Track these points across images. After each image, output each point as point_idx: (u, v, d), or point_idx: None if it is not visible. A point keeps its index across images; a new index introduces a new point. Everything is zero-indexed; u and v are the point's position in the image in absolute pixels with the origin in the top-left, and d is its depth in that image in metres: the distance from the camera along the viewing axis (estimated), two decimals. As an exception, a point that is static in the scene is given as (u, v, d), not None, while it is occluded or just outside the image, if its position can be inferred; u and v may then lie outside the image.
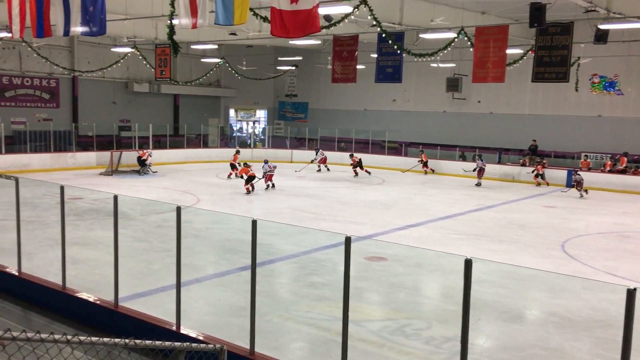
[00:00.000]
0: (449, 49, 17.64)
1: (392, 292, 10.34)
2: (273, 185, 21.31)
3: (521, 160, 27.28)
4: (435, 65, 27.92)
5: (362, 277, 10.48)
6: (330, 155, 31.30)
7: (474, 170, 24.53)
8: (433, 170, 28.24)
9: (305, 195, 20.44)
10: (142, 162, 24.74)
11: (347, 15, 13.13)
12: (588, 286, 10.28)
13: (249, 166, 20.17)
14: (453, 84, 29.49)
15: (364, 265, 11.26)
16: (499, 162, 28.33)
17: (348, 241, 5.42)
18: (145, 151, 25.46)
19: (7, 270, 9.35)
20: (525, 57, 19.78)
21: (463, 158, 29.36)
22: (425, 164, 28.27)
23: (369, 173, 26.47)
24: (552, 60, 15.04)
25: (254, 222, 6.25)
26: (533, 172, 25.13)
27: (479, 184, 24.24)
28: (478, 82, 17.64)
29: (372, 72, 19.04)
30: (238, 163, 23.43)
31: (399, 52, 16.81)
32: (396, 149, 31.53)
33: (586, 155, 26.41)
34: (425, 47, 21.68)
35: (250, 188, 20.00)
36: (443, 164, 28.48)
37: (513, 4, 19.06)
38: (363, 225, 15.43)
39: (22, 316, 8.41)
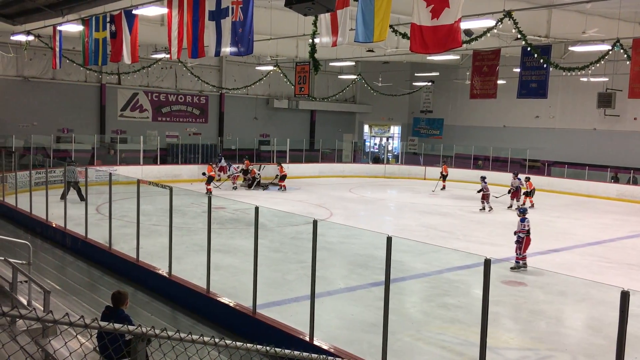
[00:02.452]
0: (602, 62, 16.37)
1: (532, 320, 9.72)
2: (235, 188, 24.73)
3: (684, 184, 24.50)
4: (585, 79, 26.04)
5: (499, 301, 9.97)
6: (465, 173, 30.41)
7: (509, 192, 21.83)
8: (444, 187, 26.56)
9: (438, 214, 19.98)
10: (246, 172, 24.82)
11: (489, 29, 12.70)
12: None
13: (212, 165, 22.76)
14: (605, 100, 27.22)
15: (501, 290, 10.71)
16: (658, 185, 25.67)
17: (487, 264, 5.18)
18: (253, 168, 25.47)
19: (159, 272, 10.17)
20: (692, 70, 17.76)
21: (616, 180, 27.00)
22: (444, 178, 26.64)
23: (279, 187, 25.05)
24: None
25: (389, 239, 6.20)
26: None
27: (517, 208, 21.22)
28: (635, 97, 16.16)
29: (514, 87, 18.21)
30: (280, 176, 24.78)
31: (545, 66, 15.90)
32: (538, 168, 29.79)
33: None
34: (574, 60, 20.31)
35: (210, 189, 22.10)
36: (592, 185, 26.41)
37: (678, 13, 17.26)
38: (500, 247, 14.70)
39: (170, 316, 9.08)
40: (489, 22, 12.75)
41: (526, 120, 31.66)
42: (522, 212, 12.88)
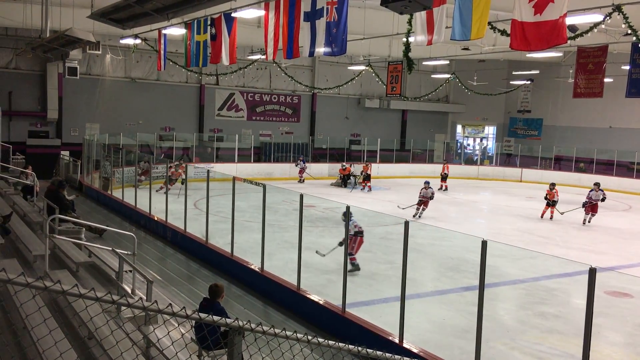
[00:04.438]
0: None
1: (638, 334, 9.08)
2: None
3: None
4: (703, 76, 23.90)
5: (601, 313, 9.37)
6: (566, 176, 28.89)
7: (584, 205, 18.10)
8: (446, 187, 25.00)
9: (535, 218, 19.13)
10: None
11: (596, 25, 11.97)
12: None
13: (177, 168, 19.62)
14: None
15: (605, 300, 10.08)
16: None
17: (592, 273, 4.89)
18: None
19: (252, 267, 10.46)
20: None
21: None
22: (444, 178, 25.08)
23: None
24: None
25: (484, 243, 6.01)
26: None
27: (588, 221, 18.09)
28: None
29: (622, 85, 17.05)
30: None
31: (657, 62, 14.78)
32: (647, 172, 27.78)
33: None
34: (692, 55, 18.67)
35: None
36: None
37: None
38: (603, 256, 13.87)
39: (262, 310, 9.31)
40: (597, 17, 12.01)
41: (635, 120, 29.56)
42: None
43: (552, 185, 19.20)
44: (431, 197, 17.68)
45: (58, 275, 7.24)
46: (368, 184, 24.66)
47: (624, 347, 8.55)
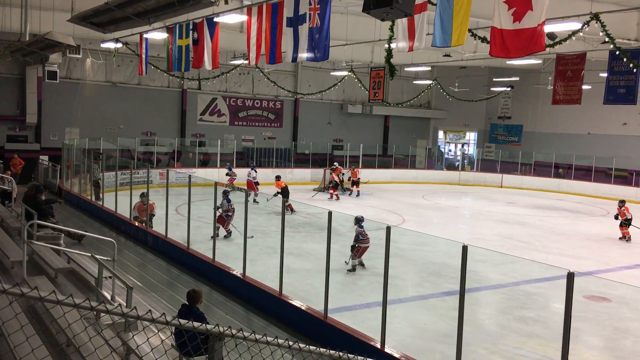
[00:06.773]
0: (699, 65, 15.27)
1: (617, 337, 9.20)
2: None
3: None
4: (678, 84, 24.37)
5: (580, 317, 9.50)
6: (545, 181, 29.26)
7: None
8: (359, 193, 24.11)
9: (516, 223, 19.32)
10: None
11: (574, 33, 12.16)
12: None
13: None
14: (701, 106, 25.39)
15: (583, 305, 10.21)
16: None
17: (571, 277, 4.95)
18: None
19: (234, 272, 10.41)
20: None
21: None
22: (355, 183, 24.22)
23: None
24: None
25: (465, 248, 6.06)
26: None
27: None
28: None
29: (600, 92, 17.32)
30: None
31: (634, 70, 15.04)
32: (625, 178, 28.19)
33: None
34: (667, 64, 19.05)
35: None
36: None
37: None
38: (583, 260, 14.05)
39: (244, 316, 9.27)
40: (575, 25, 12.20)
41: (613, 127, 30.05)
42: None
43: (622, 202, 16.80)
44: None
45: (36, 282, 7.13)
46: (357, 189, 24.46)
47: (603, 351, 8.66)
